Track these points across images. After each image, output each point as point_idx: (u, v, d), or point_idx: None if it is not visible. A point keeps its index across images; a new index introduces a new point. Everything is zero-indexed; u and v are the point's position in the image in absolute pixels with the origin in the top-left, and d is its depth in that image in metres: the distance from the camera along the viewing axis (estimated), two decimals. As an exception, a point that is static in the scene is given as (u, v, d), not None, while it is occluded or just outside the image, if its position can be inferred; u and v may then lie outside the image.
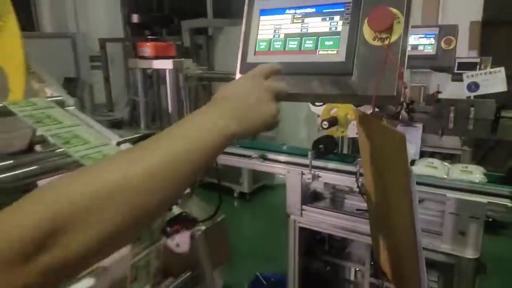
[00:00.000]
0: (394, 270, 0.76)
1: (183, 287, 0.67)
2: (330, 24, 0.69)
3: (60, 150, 0.68)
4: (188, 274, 0.64)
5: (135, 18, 0.84)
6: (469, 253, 1.62)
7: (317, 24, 0.71)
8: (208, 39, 5.04)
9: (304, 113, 5.24)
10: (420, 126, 3.59)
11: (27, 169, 0.61)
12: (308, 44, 0.71)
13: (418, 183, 1.74)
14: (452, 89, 3.52)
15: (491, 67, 3.34)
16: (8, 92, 0.78)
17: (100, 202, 0.39)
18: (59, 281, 0.38)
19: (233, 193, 4.57)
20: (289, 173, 2.03)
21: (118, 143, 0.65)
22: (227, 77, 1.32)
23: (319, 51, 0.70)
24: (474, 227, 1.60)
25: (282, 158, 2.11)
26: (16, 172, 0.59)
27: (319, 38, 0.70)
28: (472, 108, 3.15)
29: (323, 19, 0.70)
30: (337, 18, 0.69)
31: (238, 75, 0.76)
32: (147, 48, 0.80)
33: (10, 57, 0.75)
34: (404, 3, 0.63)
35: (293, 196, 2.03)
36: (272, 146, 2.38)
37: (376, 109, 0.77)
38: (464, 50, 4.19)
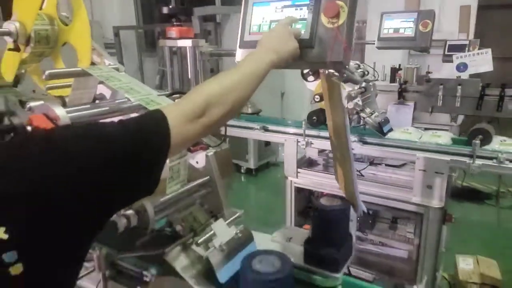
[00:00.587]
0: (346, 189, 1.07)
1: (199, 189, 1.00)
2: (300, 13, 1.00)
3: (118, 100, 1.01)
4: (206, 178, 0.96)
5: (165, 9, 1.14)
6: (435, 203, 1.94)
7: (292, 13, 1.01)
8: (216, 25, 5.32)
9: (306, 103, 5.54)
10: (411, 104, 3.87)
11: (101, 109, 0.94)
12: (286, 26, 1.01)
13: (393, 146, 2.05)
14: (447, 70, 3.66)
15: (479, 49, 3.57)
16: (77, 62, 1.10)
17: (227, 92, 0.76)
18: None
19: (240, 169, 4.93)
20: (286, 141, 2.35)
21: (158, 95, 0.98)
22: (231, 53, 1.64)
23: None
24: (439, 181, 1.91)
25: (281, 128, 2.43)
26: (93, 110, 0.92)
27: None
28: (459, 87, 3.41)
29: (296, 9, 1.01)
30: (304, 8, 0.99)
31: (238, 50, 1.08)
32: (173, 31, 1.10)
33: (79, 36, 1.07)
34: (347, -1, 0.94)
35: (290, 161, 2.36)
36: (272, 120, 2.69)
37: (336, 73, 1.08)
38: (455, 33, 4.40)
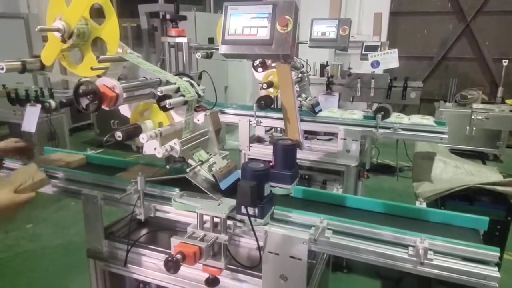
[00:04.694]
0: (294, 136, 1.63)
1: (200, 137, 1.49)
2: (263, 22, 1.54)
3: (140, 78, 1.46)
4: (205, 130, 1.45)
5: (168, 15, 1.56)
6: (352, 163, 2.61)
7: (257, 22, 1.55)
8: (163, 22, 5.65)
9: (247, 95, 6.14)
10: (337, 94, 4.65)
11: (136, 83, 1.39)
12: (253, 30, 1.55)
13: (323, 122, 2.70)
14: (367, 66, 4.31)
15: (389, 49, 4.41)
16: (106, 52, 1.52)
17: None
18: None
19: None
20: (240, 121, 2.89)
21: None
22: (211, 48, 2.14)
23: (258, 34, 1.54)
24: (355, 146, 2.58)
25: (235, 111, 2.96)
26: (132, 83, 1.37)
27: (258, 28, 1.55)
28: (372, 80, 4.25)
29: (259, 20, 1.55)
30: (265, 19, 1.53)
31: (221, 45, 1.58)
32: (173, 31, 1.55)
33: (109, 32, 1.49)
34: (292, 14, 1.50)
35: (244, 137, 2.90)
36: (227, 105, 3.21)
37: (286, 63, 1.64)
38: (370, 36, 5.27)
